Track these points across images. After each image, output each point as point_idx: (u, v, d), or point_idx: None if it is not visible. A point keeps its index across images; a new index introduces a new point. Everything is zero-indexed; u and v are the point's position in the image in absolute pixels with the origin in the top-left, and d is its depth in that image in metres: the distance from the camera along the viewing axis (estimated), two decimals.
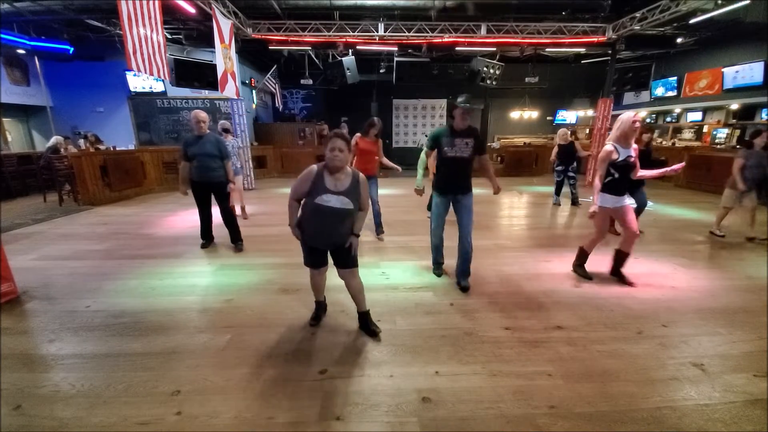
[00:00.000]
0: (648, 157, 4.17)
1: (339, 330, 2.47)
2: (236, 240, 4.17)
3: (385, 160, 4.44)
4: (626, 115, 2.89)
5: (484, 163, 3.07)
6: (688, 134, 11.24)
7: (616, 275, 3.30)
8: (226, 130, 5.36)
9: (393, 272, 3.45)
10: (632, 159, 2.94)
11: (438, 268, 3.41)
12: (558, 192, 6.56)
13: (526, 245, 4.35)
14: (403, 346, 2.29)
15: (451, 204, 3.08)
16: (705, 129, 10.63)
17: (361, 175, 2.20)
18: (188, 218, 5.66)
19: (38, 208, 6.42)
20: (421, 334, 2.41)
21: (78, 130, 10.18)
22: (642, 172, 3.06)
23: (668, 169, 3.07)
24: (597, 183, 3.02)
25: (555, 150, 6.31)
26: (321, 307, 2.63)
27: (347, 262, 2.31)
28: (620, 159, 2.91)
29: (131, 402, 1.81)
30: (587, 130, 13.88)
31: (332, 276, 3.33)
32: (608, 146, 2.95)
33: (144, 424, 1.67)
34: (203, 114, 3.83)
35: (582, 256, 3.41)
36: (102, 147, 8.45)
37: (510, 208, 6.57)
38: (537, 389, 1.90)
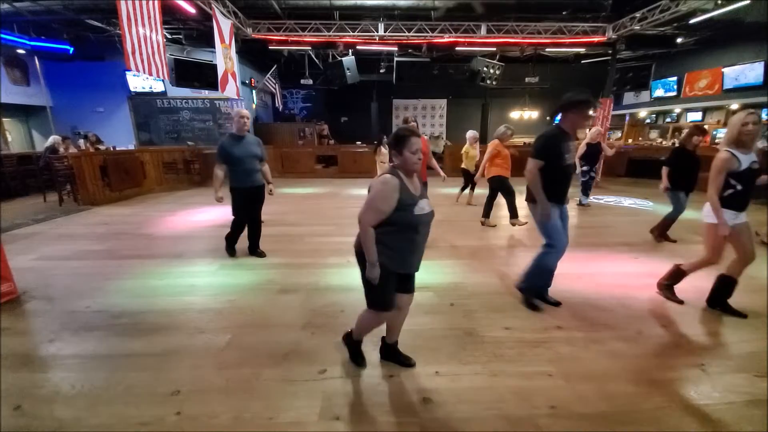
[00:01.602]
0: (690, 161, 3.95)
1: (339, 330, 2.45)
2: (257, 246, 3.91)
3: (434, 162, 3.90)
4: (736, 117, 2.42)
5: None
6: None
7: (719, 306, 2.71)
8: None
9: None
10: (757, 165, 2.42)
11: (545, 295, 2.87)
12: (586, 192, 6.34)
13: (527, 245, 4.35)
14: (403, 346, 2.27)
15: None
16: (705, 127, 10.62)
17: (385, 176, 1.80)
18: (188, 218, 5.66)
19: (38, 208, 6.41)
20: (421, 334, 2.41)
21: (78, 130, 10.19)
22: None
23: None
24: (714, 197, 2.44)
25: (582, 150, 6.05)
26: (383, 346, 2.16)
27: (414, 283, 1.97)
28: (743, 167, 2.38)
29: (131, 402, 1.81)
30: (587, 130, 13.86)
31: (330, 275, 3.35)
32: (723, 153, 2.41)
33: (144, 425, 1.67)
34: (246, 111, 3.51)
35: (677, 276, 2.86)
36: (102, 147, 8.45)
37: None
38: (537, 389, 1.89)
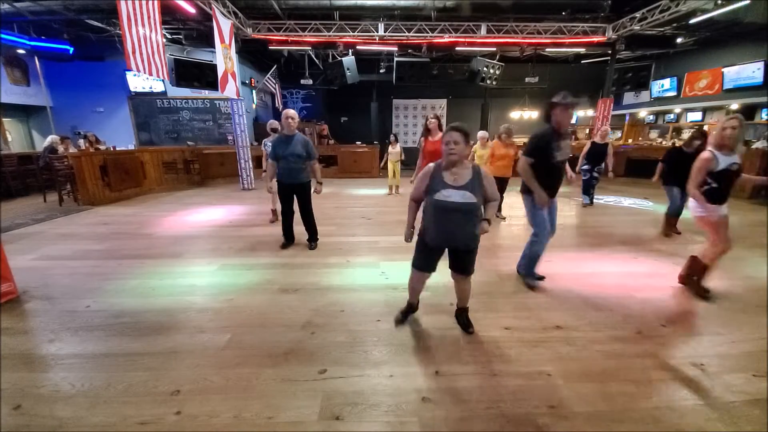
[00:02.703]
0: (686, 161, 4.15)
1: (339, 330, 2.47)
2: (313, 239, 4.19)
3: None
4: (720, 121, 2.69)
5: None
6: (688, 134, 11.23)
7: (689, 284, 3.04)
8: (273, 130, 5.19)
9: (393, 272, 3.45)
10: (736, 167, 2.67)
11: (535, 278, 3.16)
12: (587, 191, 6.42)
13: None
14: (403, 346, 2.29)
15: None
16: (705, 129, 10.63)
17: (483, 168, 2.12)
18: (188, 218, 5.67)
19: (38, 208, 6.41)
20: (421, 334, 2.41)
21: (78, 130, 10.20)
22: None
23: None
24: (694, 191, 2.74)
25: (586, 148, 6.19)
26: (412, 309, 2.57)
27: (467, 268, 2.29)
28: (720, 167, 2.65)
29: (131, 402, 1.81)
30: (587, 130, 13.88)
31: (330, 274, 3.35)
32: (706, 154, 2.69)
33: (144, 424, 1.67)
34: (293, 111, 3.76)
35: (696, 269, 2.98)
36: (102, 147, 8.45)
37: (510, 207, 6.56)
38: (537, 389, 1.90)
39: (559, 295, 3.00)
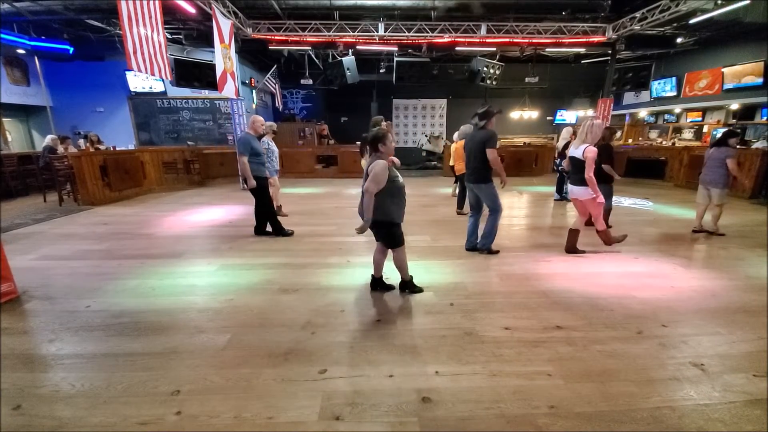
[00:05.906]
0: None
1: (339, 330, 2.47)
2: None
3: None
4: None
5: None
6: (688, 134, 11.25)
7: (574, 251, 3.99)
8: (274, 131, 5.54)
9: (393, 272, 3.44)
10: (572, 156, 3.69)
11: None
12: (559, 188, 6.68)
13: (526, 245, 4.35)
14: (403, 346, 2.29)
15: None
16: (705, 129, 10.64)
17: (379, 161, 2.55)
18: (188, 218, 5.67)
19: (38, 208, 6.42)
20: (421, 334, 2.41)
21: (78, 130, 10.20)
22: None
23: None
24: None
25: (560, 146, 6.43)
26: (373, 280, 3.07)
27: (383, 241, 2.92)
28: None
29: (131, 402, 1.81)
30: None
31: (330, 274, 3.35)
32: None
33: (144, 424, 1.67)
34: (259, 118, 4.61)
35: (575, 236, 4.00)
36: (102, 147, 8.45)
37: (510, 208, 6.56)
38: (537, 389, 1.90)
39: (559, 295, 3.00)
